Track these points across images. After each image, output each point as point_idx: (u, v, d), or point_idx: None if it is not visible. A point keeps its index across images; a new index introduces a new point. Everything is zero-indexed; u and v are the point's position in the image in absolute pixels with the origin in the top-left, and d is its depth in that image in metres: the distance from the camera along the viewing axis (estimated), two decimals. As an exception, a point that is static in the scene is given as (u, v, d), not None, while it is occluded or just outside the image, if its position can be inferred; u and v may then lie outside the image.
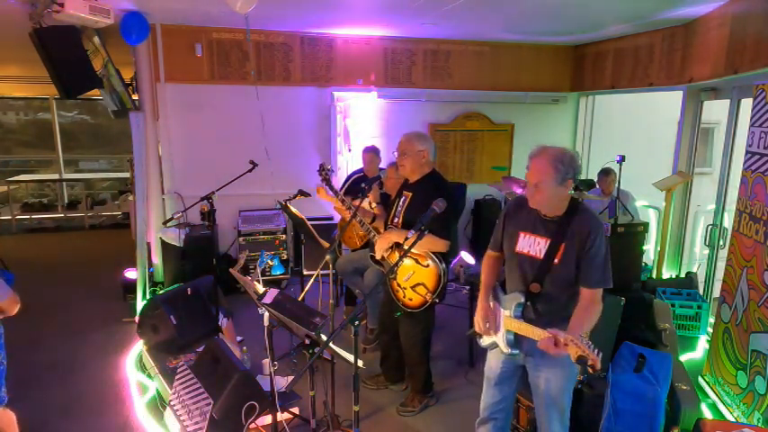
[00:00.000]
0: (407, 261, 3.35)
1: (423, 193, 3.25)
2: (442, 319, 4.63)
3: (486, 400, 2.61)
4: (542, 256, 2.30)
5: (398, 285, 3.40)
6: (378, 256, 3.45)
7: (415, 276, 3.32)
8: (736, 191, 3.72)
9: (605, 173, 5.50)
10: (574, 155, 2.28)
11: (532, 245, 2.35)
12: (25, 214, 9.31)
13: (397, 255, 3.38)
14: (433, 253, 3.27)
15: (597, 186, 5.64)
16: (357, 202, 3.66)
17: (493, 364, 2.56)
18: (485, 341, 2.53)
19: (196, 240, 5.38)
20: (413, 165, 3.37)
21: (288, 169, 6.07)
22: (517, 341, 2.40)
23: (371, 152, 4.91)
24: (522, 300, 2.36)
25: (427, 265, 3.28)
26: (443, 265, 3.27)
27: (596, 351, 1.99)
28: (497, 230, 2.54)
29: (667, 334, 3.67)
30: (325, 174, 3.99)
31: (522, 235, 2.39)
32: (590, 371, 2.00)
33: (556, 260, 2.28)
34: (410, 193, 3.42)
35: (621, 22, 5.33)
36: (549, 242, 2.30)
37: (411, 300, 3.35)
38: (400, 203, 3.47)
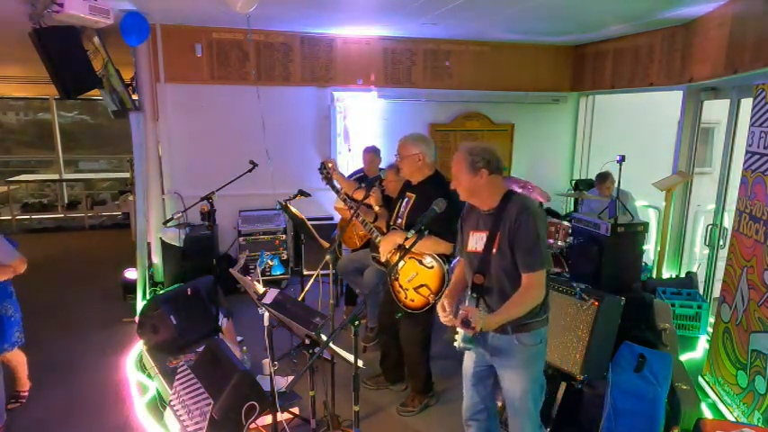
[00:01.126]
0: (411, 262, 3.34)
1: (426, 194, 3.22)
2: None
3: (465, 401, 2.62)
4: (482, 249, 2.38)
5: (401, 286, 3.40)
6: (382, 259, 3.45)
7: (418, 278, 3.32)
8: (736, 191, 3.72)
9: (602, 179, 5.46)
10: (486, 147, 2.39)
11: (478, 241, 2.42)
12: (25, 214, 9.31)
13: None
14: (437, 254, 3.27)
15: (595, 187, 5.63)
16: (360, 193, 3.67)
17: (467, 364, 2.58)
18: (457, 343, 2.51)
19: (196, 240, 5.38)
20: (410, 168, 3.38)
21: (288, 169, 6.07)
22: (481, 340, 2.43)
23: (372, 152, 4.91)
24: (470, 292, 2.41)
25: (431, 267, 3.27)
26: (447, 266, 3.27)
27: (478, 318, 2.18)
28: (459, 235, 2.61)
29: (667, 334, 3.67)
30: (327, 172, 3.98)
31: (471, 234, 2.48)
32: (470, 333, 2.17)
33: (494, 250, 2.34)
34: (413, 195, 3.42)
35: (621, 22, 5.33)
36: (487, 235, 2.37)
37: (413, 301, 3.35)
38: (403, 205, 3.47)
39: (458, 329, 2.43)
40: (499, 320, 2.29)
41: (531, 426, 2.45)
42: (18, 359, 3.67)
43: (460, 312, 2.23)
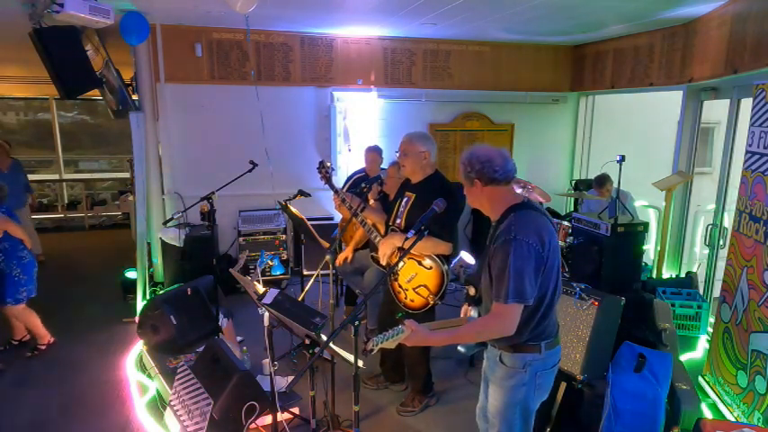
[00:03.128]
0: (410, 263, 3.34)
1: (427, 194, 3.21)
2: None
3: (479, 400, 2.61)
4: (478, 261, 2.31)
5: (400, 287, 3.40)
6: (383, 262, 3.44)
7: (417, 278, 3.31)
8: (736, 191, 3.72)
9: (600, 182, 5.44)
10: (482, 155, 2.21)
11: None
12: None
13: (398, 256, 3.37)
14: (436, 254, 3.27)
15: (594, 190, 5.63)
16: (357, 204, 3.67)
17: (484, 366, 2.52)
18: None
19: (196, 240, 5.38)
20: (414, 165, 3.36)
21: (288, 169, 6.07)
22: (486, 347, 2.39)
23: (374, 152, 4.89)
24: (464, 300, 2.38)
25: (430, 267, 3.27)
26: (446, 266, 3.27)
27: (385, 337, 2.00)
28: None
29: (667, 334, 3.67)
30: (325, 171, 3.97)
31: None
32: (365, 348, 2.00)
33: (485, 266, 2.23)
34: (413, 195, 3.41)
35: (621, 22, 5.33)
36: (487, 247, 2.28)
37: (413, 301, 3.34)
38: (402, 204, 3.45)
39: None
40: (440, 340, 2.17)
41: None
42: (23, 316, 4.29)
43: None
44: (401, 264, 3.36)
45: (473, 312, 2.35)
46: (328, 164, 4.08)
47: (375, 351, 1.98)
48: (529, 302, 2.07)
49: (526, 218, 2.15)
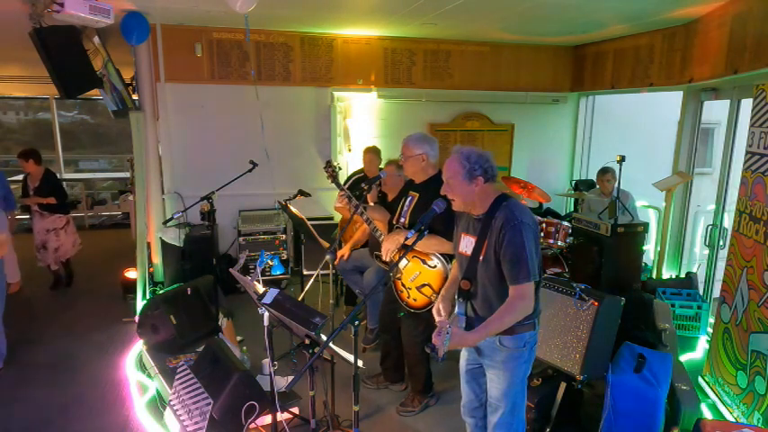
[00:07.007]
0: (414, 262, 3.34)
1: (429, 194, 3.22)
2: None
3: (462, 398, 2.64)
4: (470, 254, 2.37)
5: (403, 286, 3.40)
6: (386, 258, 3.44)
7: (421, 277, 3.31)
8: (736, 191, 3.72)
9: (602, 171, 5.47)
10: (483, 153, 2.33)
11: (468, 244, 2.41)
12: (25, 214, 9.30)
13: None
14: (440, 253, 3.27)
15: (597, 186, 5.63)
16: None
17: (462, 361, 2.60)
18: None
19: (196, 240, 5.38)
20: (413, 168, 3.38)
21: (288, 169, 6.07)
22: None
23: (372, 152, 4.91)
24: (457, 297, 2.42)
25: (434, 266, 3.27)
26: (450, 265, 3.27)
27: (445, 341, 2.07)
28: (454, 233, 2.62)
29: (667, 334, 3.67)
30: (332, 171, 3.98)
31: (462, 236, 2.47)
32: (434, 355, 2.10)
33: (481, 257, 2.32)
34: (417, 194, 3.42)
35: (621, 22, 5.33)
36: (475, 240, 2.35)
37: (415, 300, 3.34)
38: (406, 204, 3.47)
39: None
40: (477, 338, 2.26)
41: (506, 427, 2.44)
42: None
43: (438, 326, 2.19)
44: (405, 263, 3.37)
45: (457, 307, 2.41)
46: (336, 163, 4.09)
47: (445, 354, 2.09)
48: (537, 278, 2.26)
49: (518, 204, 2.33)
